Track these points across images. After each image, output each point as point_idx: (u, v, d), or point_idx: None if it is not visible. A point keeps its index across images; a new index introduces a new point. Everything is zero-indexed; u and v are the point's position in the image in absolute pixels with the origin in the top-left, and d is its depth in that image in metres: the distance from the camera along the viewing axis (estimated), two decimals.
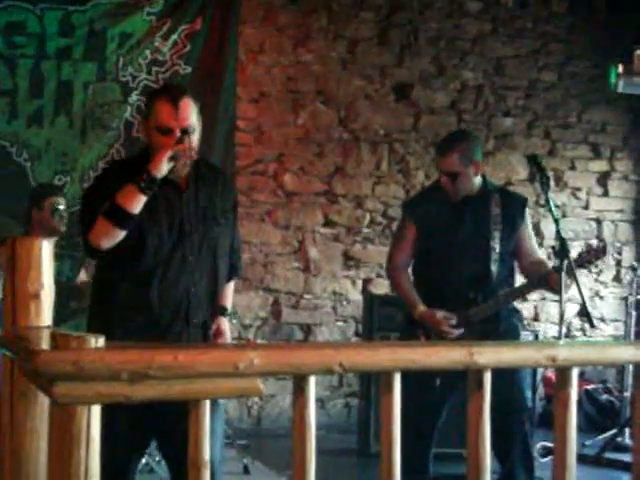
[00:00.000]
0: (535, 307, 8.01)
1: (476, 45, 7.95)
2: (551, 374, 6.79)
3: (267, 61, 7.35)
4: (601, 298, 8.37)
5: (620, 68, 7.14)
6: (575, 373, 2.60)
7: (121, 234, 3.42)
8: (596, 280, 8.33)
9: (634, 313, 7.03)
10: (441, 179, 4.70)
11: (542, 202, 7.57)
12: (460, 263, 4.63)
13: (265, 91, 7.35)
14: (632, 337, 6.96)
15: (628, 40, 7.39)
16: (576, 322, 8.09)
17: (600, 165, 8.40)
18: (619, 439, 6.59)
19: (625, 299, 7.58)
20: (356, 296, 7.51)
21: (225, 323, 3.79)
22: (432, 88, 7.83)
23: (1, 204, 6.41)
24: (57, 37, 6.73)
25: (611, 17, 8.07)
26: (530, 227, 4.90)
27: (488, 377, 2.45)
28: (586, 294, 7.90)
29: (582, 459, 6.40)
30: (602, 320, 8.33)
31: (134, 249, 3.48)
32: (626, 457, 5.70)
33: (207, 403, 2.16)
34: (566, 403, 2.58)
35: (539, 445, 5.95)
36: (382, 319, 6.30)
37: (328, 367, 2.24)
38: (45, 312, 2.50)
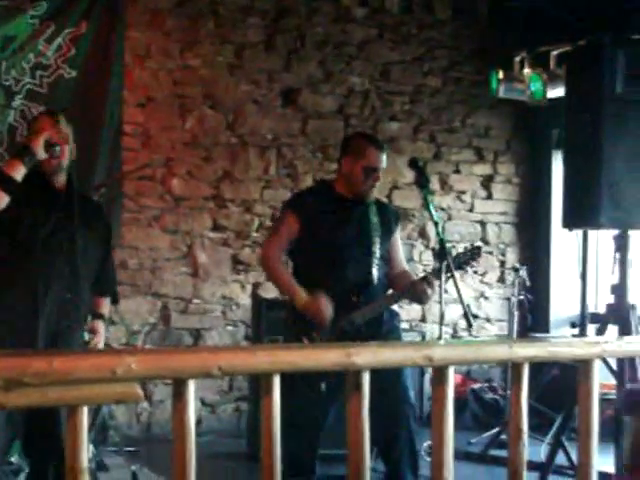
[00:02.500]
0: (422, 308, 8.12)
1: (362, 50, 8.03)
2: None
3: (154, 65, 7.28)
4: (486, 299, 8.55)
5: (501, 74, 7.30)
6: (451, 372, 2.66)
7: (6, 199, 3.99)
8: (481, 281, 8.51)
9: (516, 313, 7.18)
10: (372, 176, 4.75)
11: None
12: (344, 266, 4.69)
13: (152, 95, 7.28)
14: (514, 336, 7.11)
15: (509, 47, 7.56)
16: (462, 323, 8.23)
17: (484, 169, 8.58)
18: (503, 436, 6.72)
19: (508, 299, 7.75)
20: (245, 300, 7.50)
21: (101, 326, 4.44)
22: (319, 93, 7.88)
23: None
24: None
25: (493, 24, 8.27)
26: (400, 240, 5.04)
27: (366, 378, 2.49)
28: (470, 295, 8.17)
29: (468, 456, 6.57)
30: (488, 320, 8.52)
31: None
32: None
33: (85, 409, 2.15)
34: (443, 401, 2.64)
35: (426, 444, 6.02)
36: (271, 322, 6.30)
37: (207, 370, 2.25)
38: None
